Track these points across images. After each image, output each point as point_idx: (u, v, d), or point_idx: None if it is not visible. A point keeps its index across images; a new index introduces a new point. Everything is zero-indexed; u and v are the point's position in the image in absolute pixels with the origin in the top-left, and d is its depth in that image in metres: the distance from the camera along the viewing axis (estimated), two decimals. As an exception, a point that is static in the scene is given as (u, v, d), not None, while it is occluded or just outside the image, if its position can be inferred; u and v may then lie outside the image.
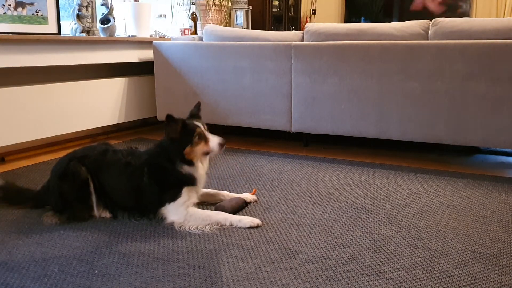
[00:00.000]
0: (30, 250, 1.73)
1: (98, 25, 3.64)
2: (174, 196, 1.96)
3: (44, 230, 1.91)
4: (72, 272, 1.56)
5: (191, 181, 1.99)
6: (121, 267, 1.60)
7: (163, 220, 1.98)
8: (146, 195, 1.99)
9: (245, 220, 1.95)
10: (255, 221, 1.95)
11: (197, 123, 1.98)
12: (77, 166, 2.01)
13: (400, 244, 1.77)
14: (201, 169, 2.01)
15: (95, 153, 2.09)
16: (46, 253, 1.71)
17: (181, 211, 1.95)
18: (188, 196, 1.98)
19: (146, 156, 2.05)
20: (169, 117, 1.93)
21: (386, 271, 1.57)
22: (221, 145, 1.97)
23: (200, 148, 1.96)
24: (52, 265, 1.61)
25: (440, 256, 1.68)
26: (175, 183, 1.97)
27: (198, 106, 2.19)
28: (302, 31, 3.37)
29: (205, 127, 2.02)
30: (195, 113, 2.13)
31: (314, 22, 6.65)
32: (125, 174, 2.02)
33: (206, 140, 1.97)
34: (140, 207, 2.03)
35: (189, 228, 1.91)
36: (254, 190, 2.35)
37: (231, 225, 1.94)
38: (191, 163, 1.97)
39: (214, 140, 1.98)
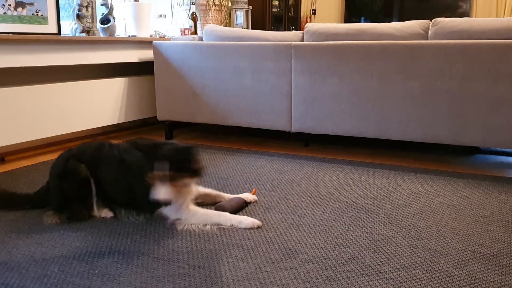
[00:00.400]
0: (30, 250, 1.73)
1: (98, 25, 3.64)
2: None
3: (44, 230, 1.91)
4: (72, 272, 1.57)
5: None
6: (121, 267, 1.60)
7: (163, 220, 1.98)
8: (141, 195, 1.95)
9: (246, 221, 1.94)
10: (256, 222, 1.94)
11: (161, 169, 1.80)
12: (75, 164, 2.01)
13: (400, 244, 1.78)
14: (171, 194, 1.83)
15: (92, 149, 2.07)
16: (46, 253, 1.71)
17: (182, 211, 1.95)
18: (183, 198, 1.95)
19: (140, 156, 1.97)
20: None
21: (386, 271, 1.57)
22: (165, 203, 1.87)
23: (172, 185, 1.82)
24: (52, 265, 1.61)
25: (440, 256, 1.68)
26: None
27: (189, 154, 1.87)
28: (302, 31, 3.37)
29: (172, 175, 1.81)
30: (184, 161, 1.85)
31: (314, 22, 6.65)
32: (120, 171, 2.00)
33: (154, 182, 1.81)
34: (136, 205, 2.02)
35: (190, 226, 1.92)
36: (254, 190, 2.35)
37: (232, 225, 1.94)
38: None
39: (160, 191, 1.80)
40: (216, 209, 2.06)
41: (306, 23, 6.48)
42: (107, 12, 3.64)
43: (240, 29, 3.63)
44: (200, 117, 3.63)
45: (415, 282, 1.50)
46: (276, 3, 5.86)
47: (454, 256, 1.68)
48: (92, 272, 1.56)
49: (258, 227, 1.94)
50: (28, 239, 1.82)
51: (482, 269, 1.59)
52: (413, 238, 1.83)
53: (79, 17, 3.48)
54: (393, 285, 1.48)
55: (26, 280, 1.51)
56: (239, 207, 2.13)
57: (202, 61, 3.53)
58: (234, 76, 3.44)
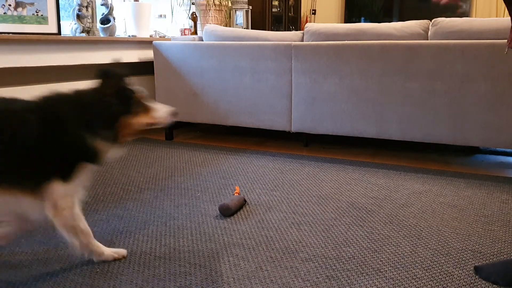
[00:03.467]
0: (33, 249, 1.73)
1: (98, 25, 3.64)
2: (67, 171, 1.45)
3: (47, 229, 1.91)
4: (74, 270, 1.57)
5: (97, 159, 1.50)
6: (123, 265, 1.60)
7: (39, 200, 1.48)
8: (23, 156, 1.41)
9: (107, 252, 1.64)
10: (121, 252, 1.67)
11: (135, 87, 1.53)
12: None
13: (401, 244, 1.78)
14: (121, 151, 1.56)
15: None
16: (48, 251, 1.71)
17: (68, 201, 1.49)
18: (82, 180, 1.51)
19: (40, 102, 1.48)
20: (107, 72, 1.51)
21: (386, 271, 1.57)
22: (173, 115, 1.53)
23: (142, 119, 1.51)
24: (55, 263, 1.62)
25: (440, 256, 1.68)
26: (74, 152, 1.46)
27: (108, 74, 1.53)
28: (302, 31, 3.38)
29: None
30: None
31: (314, 22, 6.66)
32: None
33: (148, 109, 1.52)
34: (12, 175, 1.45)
35: (56, 226, 1.52)
36: (237, 188, 2.35)
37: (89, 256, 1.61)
38: (114, 139, 1.49)
39: (161, 109, 1.53)
40: (221, 208, 2.05)
41: (306, 23, 6.48)
42: (107, 12, 3.65)
43: (240, 29, 3.63)
44: (200, 117, 3.64)
45: (415, 282, 1.50)
46: (276, 3, 5.87)
47: (454, 255, 1.68)
48: (94, 270, 1.57)
49: (124, 258, 1.67)
50: (31, 238, 1.82)
51: (482, 268, 1.59)
52: (414, 238, 1.83)
53: (79, 17, 3.48)
54: (393, 284, 1.49)
55: (29, 278, 1.52)
56: (241, 206, 2.14)
57: (202, 61, 3.54)
58: (234, 76, 3.44)
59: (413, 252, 1.71)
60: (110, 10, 3.65)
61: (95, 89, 1.49)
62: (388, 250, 1.72)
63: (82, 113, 1.45)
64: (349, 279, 1.51)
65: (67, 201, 1.48)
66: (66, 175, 1.45)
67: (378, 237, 1.84)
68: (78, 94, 1.50)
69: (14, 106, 1.44)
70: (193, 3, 4.82)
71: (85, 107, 1.46)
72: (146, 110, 1.52)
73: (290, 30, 6.04)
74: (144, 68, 4.11)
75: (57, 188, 1.45)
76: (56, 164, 1.44)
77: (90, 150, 1.46)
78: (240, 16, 5.13)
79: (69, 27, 3.56)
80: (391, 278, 1.52)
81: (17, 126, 1.40)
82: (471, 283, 1.49)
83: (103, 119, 1.46)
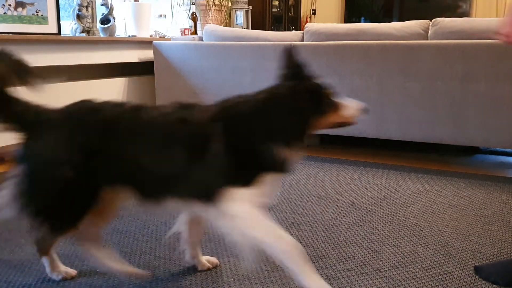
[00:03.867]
0: (33, 249, 1.72)
1: (98, 25, 3.64)
2: (248, 178, 1.29)
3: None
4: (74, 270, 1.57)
5: (283, 168, 1.32)
6: (123, 266, 1.60)
7: (216, 207, 1.29)
8: (205, 167, 1.27)
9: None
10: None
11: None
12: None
13: (401, 244, 1.78)
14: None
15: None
16: (47, 252, 1.71)
17: (248, 204, 1.28)
18: (266, 190, 1.31)
19: (221, 110, 1.36)
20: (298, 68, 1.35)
21: (386, 270, 1.57)
22: (364, 111, 1.34)
23: (332, 119, 1.34)
24: (54, 264, 1.62)
25: (440, 256, 1.68)
26: (258, 164, 1.30)
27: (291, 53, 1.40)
28: (302, 31, 3.38)
29: None
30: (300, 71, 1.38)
31: (314, 22, 6.65)
32: (176, 136, 1.30)
33: (338, 107, 1.33)
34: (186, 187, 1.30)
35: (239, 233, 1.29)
36: None
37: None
38: (301, 143, 1.32)
39: (351, 105, 1.34)
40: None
41: (306, 23, 6.48)
42: (107, 12, 3.65)
43: (240, 29, 3.63)
44: (200, 117, 3.63)
45: (415, 282, 1.50)
46: (276, 3, 5.87)
47: (454, 255, 1.68)
48: (94, 270, 1.57)
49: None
50: (31, 238, 1.82)
51: (482, 268, 1.59)
52: (414, 238, 1.83)
53: (79, 17, 3.48)
54: (393, 284, 1.49)
55: (28, 278, 1.52)
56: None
57: (202, 61, 3.53)
58: (234, 76, 3.44)
59: (413, 252, 1.71)
60: (110, 10, 3.65)
61: (284, 91, 1.36)
62: (388, 250, 1.72)
63: (273, 121, 1.31)
64: (349, 279, 1.51)
65: (243, 208, 1.29)
66: (246, 184, 1.29)
67: (378, 237, 1.84)
68: (267, 100, 1.36)
69: (197, 115, 1.32)
70: (193, 3, 4.82)
71: (277, 115, 1.31)
72: (336, 108, 1.34)
73: (290, 30, 6.04)
74: (144, 68, 4.11)
75: (235, 195, 1.28)
76: (237, 175, 1.29)
77: (276, 160, 1.29)
78: (240, 16, 5.13)
79: (69, 27, 3.56)
80: (391, 278, 1.52)
81: (201, 140, 1.29)
82: (471, 283, 1.49)
83: (296, 126, 1.31)
